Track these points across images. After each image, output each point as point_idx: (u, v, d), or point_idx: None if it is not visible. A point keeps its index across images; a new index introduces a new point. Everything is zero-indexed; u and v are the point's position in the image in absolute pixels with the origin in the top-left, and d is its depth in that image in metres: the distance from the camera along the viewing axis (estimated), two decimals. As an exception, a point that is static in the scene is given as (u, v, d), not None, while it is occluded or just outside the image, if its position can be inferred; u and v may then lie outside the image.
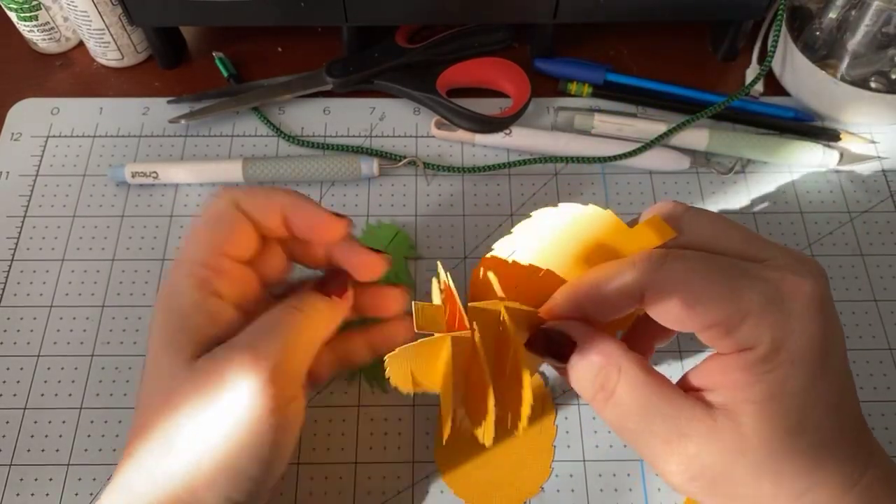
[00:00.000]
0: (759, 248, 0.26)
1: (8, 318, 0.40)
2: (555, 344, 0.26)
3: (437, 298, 0.31)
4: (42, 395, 0.38)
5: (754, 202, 0.44)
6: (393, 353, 0.28)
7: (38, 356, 0.39)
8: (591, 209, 0.27)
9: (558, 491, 0.35)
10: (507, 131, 0.45)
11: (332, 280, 0.31)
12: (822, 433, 0.24)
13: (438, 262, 0.31)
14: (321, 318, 0.30)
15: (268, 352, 0.26)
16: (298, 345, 0.28)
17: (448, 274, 0.30)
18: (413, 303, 0.29)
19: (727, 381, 0.24)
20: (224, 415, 0.26)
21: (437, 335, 0.28)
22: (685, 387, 0.26)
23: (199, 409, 0.26)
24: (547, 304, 0.28)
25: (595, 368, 0.26)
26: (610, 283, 0.25)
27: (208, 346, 0.27)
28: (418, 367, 0.29)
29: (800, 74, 0.46)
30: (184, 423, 0.26)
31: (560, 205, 0.27)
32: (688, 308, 0.24)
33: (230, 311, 0.28)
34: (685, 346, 0.39)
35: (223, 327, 0.28)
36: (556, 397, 0.38)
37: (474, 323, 0.28)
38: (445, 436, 0.30)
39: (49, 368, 0.38)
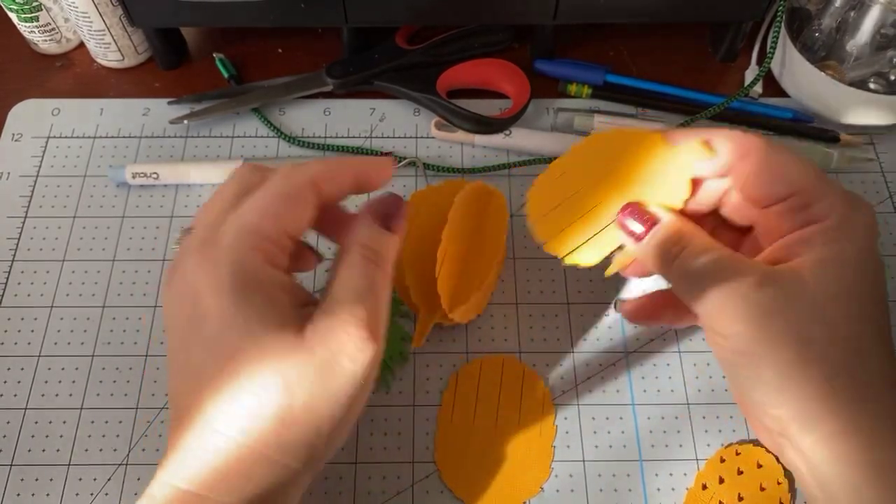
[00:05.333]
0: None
1: (8, 319, 0.40)
2: (644, 218, 0.30)
3: None
4: (42, 395, 0.38)
5: (754, 203, 0.44)
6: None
7: (39, 356, 0.39)
8: (639, 132, 0.31)
9: (558, 491, 0.36)
10: (507, 132, 0.45)
11: (392, 214, 0.30)
12: (872, 309, 0.27)
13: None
14: (392, 261, 0.29)
15: (366, 316, 0.27)
16: (384, 300, 0.28)
17: None
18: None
19: (789, 253, 0.27)
20: (335, 381, 0.26)
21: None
22: None
23: (311, 379, 0.26)
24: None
25: (675, 226, 0.29)
26: (737, 138, 0.29)
27: (293, 316, 0.27)
28: None
29: (799, 75, 0.46)
30: (297, 393, 0.25)
31: (611, 129, 0.32)
32: (784, 171, 0.28)
33: (291, 280, 0.28)
34: (684, 347, 0.39)
35: (294, 296, 0.28)
36: (555, 397, 0.38)
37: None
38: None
39: (49, 369, 0.38)
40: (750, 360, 0.26)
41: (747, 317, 0.26)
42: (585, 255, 0.31)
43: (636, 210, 0.30)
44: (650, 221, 0.30)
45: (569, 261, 0.31)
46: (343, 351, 0.26)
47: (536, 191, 0.33)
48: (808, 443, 0.25)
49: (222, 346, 0.25)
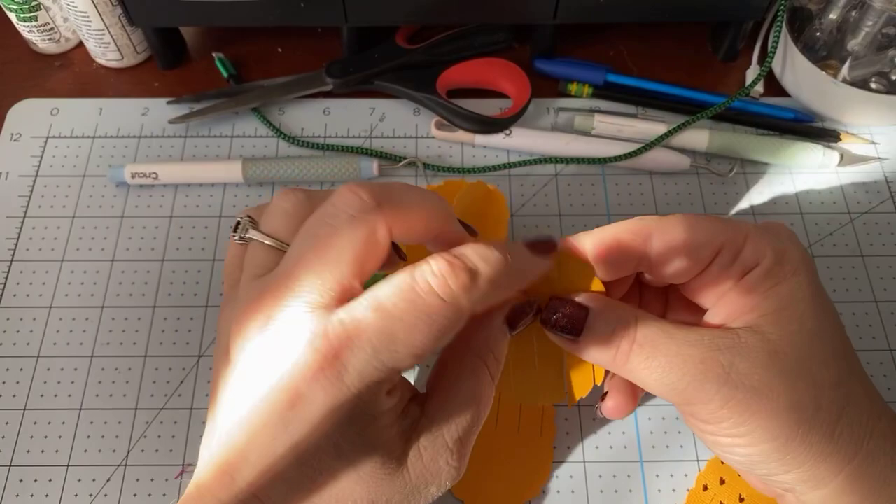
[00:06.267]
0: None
1: (7, 319, 0.40)
2: (570, 312, 0.27)
3: None
4: (42, 395, 0.38)
5: (754, 203, 0.44)
6: None
7: (38, 357, 0.39)
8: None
9: (558, 492, 0.35)
10: (508, 132, 0.45)
11: (518, 319, 0.28)
12: (840, 342, 0.26)
13: None
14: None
15: (468, 444, 0.27)
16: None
17: None
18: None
19: (740, 308, 0.26)
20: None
21: None
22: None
23: (398, 501, 0.25)
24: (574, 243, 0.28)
25: (613, 320, 0.26)
26: (626, 228, 0.27)
27: (397, 439, 0.26)
28: None
29: (800, 75, 0.46)
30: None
31: None
32: (695, 236, 0.26)
33: (399, 394, 0.26)
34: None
35: (399, 406, 0.26)
36: (556, 398, 0.38)
37: None
38: None
39: (49, 369, 0.38)
40: (746, 440, 0.25)
41: (729, 391, 0.25)
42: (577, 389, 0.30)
43: (558, 304, 0.27)
44: (580, 314, 0.27)
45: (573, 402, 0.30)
46: (437, 480, 0.26)
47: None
48: (816, 497, 0.25)
49: (317, 461, 0.24)
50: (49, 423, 0.37)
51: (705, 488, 0.35)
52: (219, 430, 0.25)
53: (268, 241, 0.27)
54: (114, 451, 0.36)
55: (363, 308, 0.23)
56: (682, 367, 0.25)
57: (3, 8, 0.47)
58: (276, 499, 0.24)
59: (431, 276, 0.23)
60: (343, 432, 0.24)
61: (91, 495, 0.35)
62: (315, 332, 0.23)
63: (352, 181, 0.26)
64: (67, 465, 0.36)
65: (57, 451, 0.36)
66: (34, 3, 0.46)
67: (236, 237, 0.28)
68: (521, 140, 0.45)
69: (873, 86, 0.44)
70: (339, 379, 0.23)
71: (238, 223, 0.28)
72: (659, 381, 0.26)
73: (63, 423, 0.37)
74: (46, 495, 0.35)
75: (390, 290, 0.23)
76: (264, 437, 0.24)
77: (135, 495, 0.35)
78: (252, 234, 0.27)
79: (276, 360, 0.24)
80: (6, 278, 0.41)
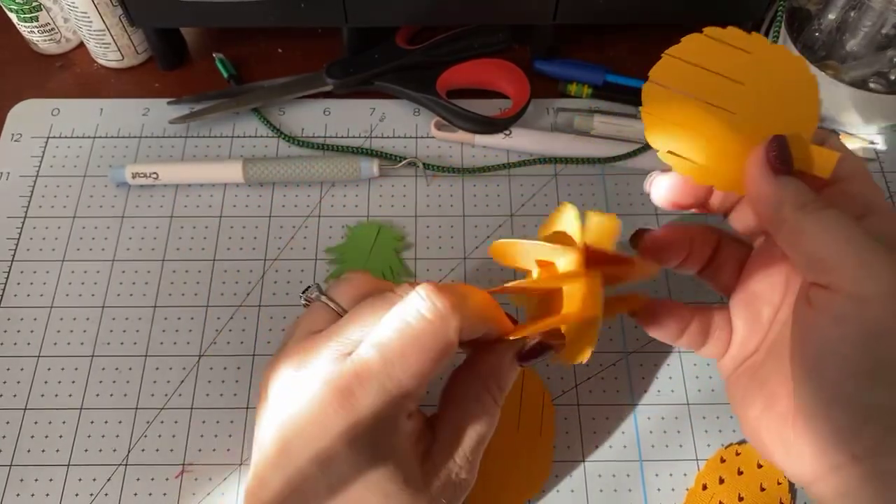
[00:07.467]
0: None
1: (8, 319, 0.40)
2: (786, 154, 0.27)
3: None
4: (42, 395, 0.38)
5: (754, 203, 0.44)
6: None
7: (39, 357, 0.39)
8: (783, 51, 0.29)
9: (558, 491, 0.36)
10: (507, 132, 0.45)
11: (533, 357, 0.30)
12: None
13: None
14: None
15: (477, 465, 0.29)
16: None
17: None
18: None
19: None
20: None
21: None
22: None
23: None
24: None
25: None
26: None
27: (417, 461, 0.28)
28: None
29: (799, 75, 0.46)
30: None
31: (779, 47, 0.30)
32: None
33: (416, 419, 0.29)
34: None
35: (417, 431, 0.29)
36: (555, 397, 0.38)
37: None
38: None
39: (49, 369, 0.38)
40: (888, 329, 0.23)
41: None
42: (685, 154, 0.30)
43: (786, 149, 0.27)
44: (788, 166, 0.26)
45: (664, 158, 0.29)
46: (453, 493, 0.28)
47: (664, 65, 0.32)
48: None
49: (347, 490, 0.26)
50: (50, 422, 0.37)
51: (704, 487, 0.35)
52: (253, 459, 0.28)
53: (325, 300, 0.30)
54: (114, 450, 0.36)
55: (367, 348, 0.27)
56: (867, 242, 0.24)
57: (4, 8, 0.47)
58: None
59: (418, 300, 0.27)
60: (364, 459, 0.26)
61: (91, 495, 0.35)
62: (332, 373, 0.26)
63: (426, 283, 0.28)
64: (68, 465, 0.36)
65: (57, 451, 0.36)
66: (35, 4, 0.46)
67: (302, 298, 0.31)
68: (521, 140, 0.45)
69: (872, 86, 0.44)
70: (353, 411, 0.26)
71: (308, 287, 0.31)
72: (830, 242, 0.24)
73: (64, 422, 0.37)
74: (47, 495, 0.35)
75: (387, 327, 0.27)
76: (285, 467, 0.27)
77: (135, 494, 0.35)
78: (314, 294, 0.30)
79: (300, 397, 0.27)
80: (7, 278, 0.41)
